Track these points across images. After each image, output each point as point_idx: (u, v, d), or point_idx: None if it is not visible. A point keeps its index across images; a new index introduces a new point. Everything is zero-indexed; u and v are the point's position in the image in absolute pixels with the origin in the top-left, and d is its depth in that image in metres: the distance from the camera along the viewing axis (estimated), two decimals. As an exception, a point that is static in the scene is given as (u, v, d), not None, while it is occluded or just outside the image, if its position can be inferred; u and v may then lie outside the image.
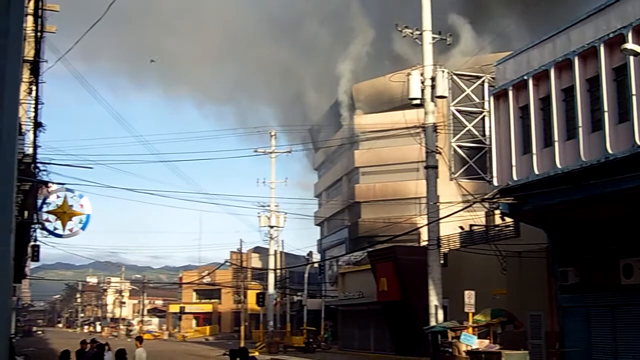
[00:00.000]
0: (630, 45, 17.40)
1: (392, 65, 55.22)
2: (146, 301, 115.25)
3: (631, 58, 18.86)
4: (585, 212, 22.98)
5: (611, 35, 19.98)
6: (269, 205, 55.05)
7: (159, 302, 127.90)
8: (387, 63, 61.19)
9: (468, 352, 24.71)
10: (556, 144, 22.02)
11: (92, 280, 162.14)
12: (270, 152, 55.17)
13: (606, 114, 20.11)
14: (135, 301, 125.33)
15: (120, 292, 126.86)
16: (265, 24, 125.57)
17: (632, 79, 19.24)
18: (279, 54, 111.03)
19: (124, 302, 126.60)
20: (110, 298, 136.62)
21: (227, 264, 73.77)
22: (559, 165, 21.81)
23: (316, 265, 68.23)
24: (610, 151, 19.81)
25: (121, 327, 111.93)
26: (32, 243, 29.37)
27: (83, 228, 26.79)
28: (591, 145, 20.72)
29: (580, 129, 21.08)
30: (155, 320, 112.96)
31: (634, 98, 19.16)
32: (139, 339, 23.36)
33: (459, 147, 30.19)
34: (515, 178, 23.78)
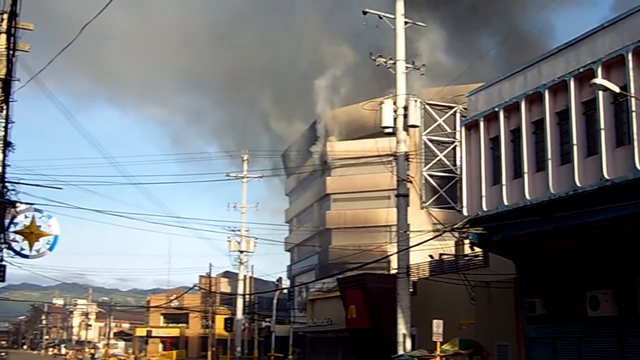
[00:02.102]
0: (599, 80, 17.64)
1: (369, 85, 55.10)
2: (113, 324, 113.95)
3: (600, 93, 19.14)
4: (553, 244, 23.14)
5: (581, 70, 20.29)
6: (239, 230, 54.80)
7: (125, 326, 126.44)
8: (363, 84, 60.95)
9: (435, 382, 24.65)
10: (526, 176, 22.21)
11: (59, 302, 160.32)
12: (242, 177, 55.01)
13: (575, 147, 20.35)
14: (102, 324, 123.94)
15: (86, 314, 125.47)
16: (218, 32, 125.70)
17: (601, 114, 19.54)
18: (246, 71, 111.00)
19: (90, 325, 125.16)
20: (76, 320, 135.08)
21: (196, 288, 73.18)
22: (528, 197, 21.98)
23: (285, 291, 67.90)
24: (578, 184, 20.02)
25: (86, 350, 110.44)
26: (-2, 263, 28.98)
27: (50, 249, 26.54)
28: (560, 177, 20.92)
29: (550, 162, 21.28)
30: (122, 343, 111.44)
31: (603, 132, 19.44)
32: (104, 363, 23.08)
33: (430, 176, 30.32)
34: (485, 208, 23.92)
